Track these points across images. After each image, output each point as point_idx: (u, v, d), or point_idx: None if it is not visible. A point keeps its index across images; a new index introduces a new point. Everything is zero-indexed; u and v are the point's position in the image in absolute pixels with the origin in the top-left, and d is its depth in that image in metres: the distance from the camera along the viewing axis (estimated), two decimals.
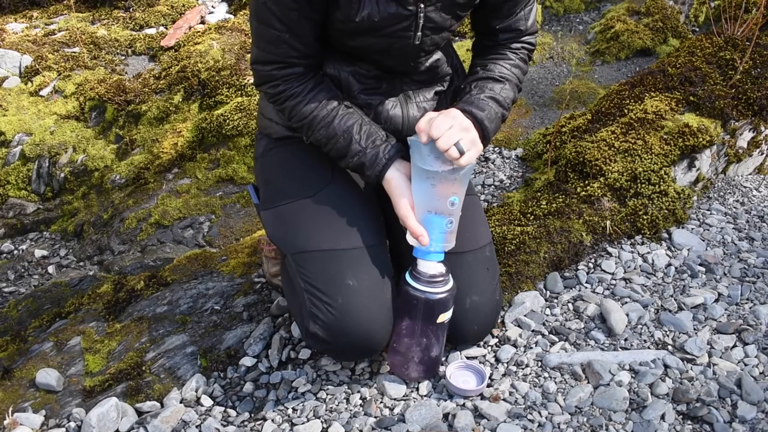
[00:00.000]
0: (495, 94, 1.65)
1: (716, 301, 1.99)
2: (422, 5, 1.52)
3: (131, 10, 4.44)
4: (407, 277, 1.59)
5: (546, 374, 1.73)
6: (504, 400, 1.64)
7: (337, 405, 1.67)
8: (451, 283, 1.59)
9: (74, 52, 3.90)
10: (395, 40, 1.57)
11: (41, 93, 3.62)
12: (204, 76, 3.46)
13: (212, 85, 3.40)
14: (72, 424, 1.73)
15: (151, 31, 4.23)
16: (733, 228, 2.36)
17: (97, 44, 4.00)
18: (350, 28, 1.52)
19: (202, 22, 4.24)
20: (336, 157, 1.63)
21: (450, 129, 1.46)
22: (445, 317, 1.60)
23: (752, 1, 3.40)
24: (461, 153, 1.46)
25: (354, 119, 1.60)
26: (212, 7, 4.48)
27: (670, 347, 1.81)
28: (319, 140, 1.62)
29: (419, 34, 1.58)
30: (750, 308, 1.96)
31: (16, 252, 3.12)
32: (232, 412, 1.72)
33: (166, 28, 4.24)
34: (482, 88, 1.66)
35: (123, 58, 3.99)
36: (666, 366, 1.73)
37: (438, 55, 1.72)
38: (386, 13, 1.50)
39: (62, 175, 3.31)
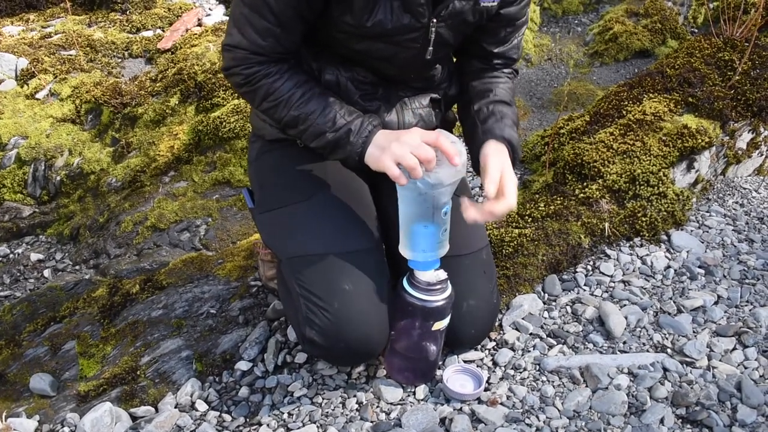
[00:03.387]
0: (516, 119, 1.72)
1: (716, 303, 1.98)
2: (434, 20, 1.53)
3: (128, 12, 4.43)
4: (404, 283, 1.57)
5: (544, 378, 1.71)
6: (501, 404, 1.62)
7: (333, 409, 1.65)
8: (449, 291, 1.57)
9: (70, 55, 3.89)
10: (401, 49, 1.57)
11: (37, 96, 3.60)
12: (200, 79, 3.45)
13: (209, 87, 3.39)
14: (66, 430, 1.72)
15: (148, 33, 4.22)
16: (733, 230, 2.35)
17: (94, 47, 3.99)
18: (360, 32, 1.51)
19: (199, 25, 4.23)
20: (312, 134, 1.56)
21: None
22: (441, 325, 1.59)
23: (751, 2, 3.39)
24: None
25: (334, 98, 1.57)
26: (209, 9, 4.47)
27: (669, 350, 1.80)
28: (295, 117, 1.55)
29: (431, 48, 1.59)
30: (750, 311, 1.95)
31: (11, 256, 3.10)
32: (228, 417, 1.70)
33: (163, 31, 4.23)
34: (502, 113, 1.69)
35: (119, 60, 3.98)
36: (665, 369, 1.72)
37: (438, 66, 1.71)
38: (399, 24, 1.50)
39: (58, 178, 3.29)
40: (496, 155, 1.56)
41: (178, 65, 3.63)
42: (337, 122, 1.52)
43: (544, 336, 1.87)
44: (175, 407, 1.75)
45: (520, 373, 1.74)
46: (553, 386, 1.68)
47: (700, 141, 2.41)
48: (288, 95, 1.53)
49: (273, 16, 1.46)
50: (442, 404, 1.63)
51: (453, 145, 1.43)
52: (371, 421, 1.60)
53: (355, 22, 1.49)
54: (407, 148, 1.43)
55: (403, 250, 1.56)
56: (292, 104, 1.53)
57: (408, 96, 1.72)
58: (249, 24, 1.48)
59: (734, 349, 1.81)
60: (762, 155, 2.79)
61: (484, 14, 1.61)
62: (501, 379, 1.72)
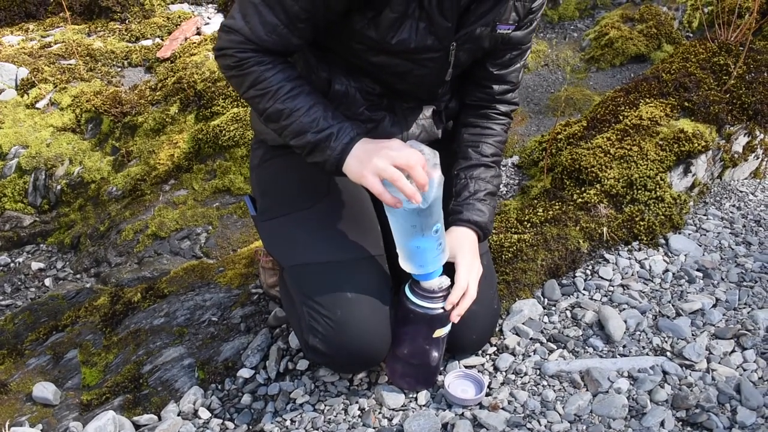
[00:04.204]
0: (491, 187, 1.76)
1: (714, 306, 1.99)
2: (454, 44, 1.56)
3: (127, 21, 4.45)
4: (407, 290, 1.58)
5: (545, 382, 1.72)
6: (503, 409, 1.63)
7: (335, 416, 1.66)
8: None
9: (70, 65, 3.90)
10: (417, 66, 1.59)
11: (37, 105, 3.61)
12: (200, 87, 3.46)
13: (208, 96, 3.40)
14: None
15: (147, 42, 4.23)
16: (730, 233, 2.36)
17: (93, 56, 4.00)
18: (382, 47, 1.52)
19: (198, 33, 4.24)
20: (293, 131, 1.50)
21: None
22: (442, 332, 1.60)
23: (745, 6, 3.42)
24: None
25: (321, 98, 1.52)
26: (208, 18, 4.49)
27: (668, 353, 1.81)
28: (279, 111, 1.49)
29: (450, 70, 1.62)
30: (748, 313, 1.96)
31: (12, 265, 3.11)
32: (230, 425, 1.71)
33: (162, 40, 4.25)
34: (478, 184, 1.74)
35: (119, 69, 3.99)
36: (665, 372, 1.73)
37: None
38: (422, 44, 1.52)
39: (59, 187, 3.30)
40: (464, 259, 1.62)
41: (177, 74, 3.64)
42: (320, 123, 1.48)
43: (545, 341, 1.88)
44: (178, 415, 1.76)
45: (521, 377, 1.75)
46: (554, 390, 1.69)
47: (696, 145, 2.43)
48: (277, 87, 1.48)
49: (285, 15, 1.43)
50: (444, 410, 1.64)
51: (423, 175, 1.42)
52: (373, 428, 1.61)
53: (378, 38, 1.50)
54: (388, 161, 1.41)
55: (403, 264, 1.57)
56: (279, 97, 1.48)
57: (412, 107, 1.74)
58: (257, 14, 1.43)
59: (733, 351, 1.82)
60: (758, 158, 2.80)
61: (499, 40, 1.65)
62: (502, 384, 1.73)
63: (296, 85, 1.49)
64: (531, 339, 1.88)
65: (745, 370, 1.75)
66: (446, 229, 1.64)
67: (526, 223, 2.22)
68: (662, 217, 2.29)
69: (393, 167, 1.40)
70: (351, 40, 1.55)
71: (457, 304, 1.57)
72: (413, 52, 1.53)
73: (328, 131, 1.48)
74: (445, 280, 1.57)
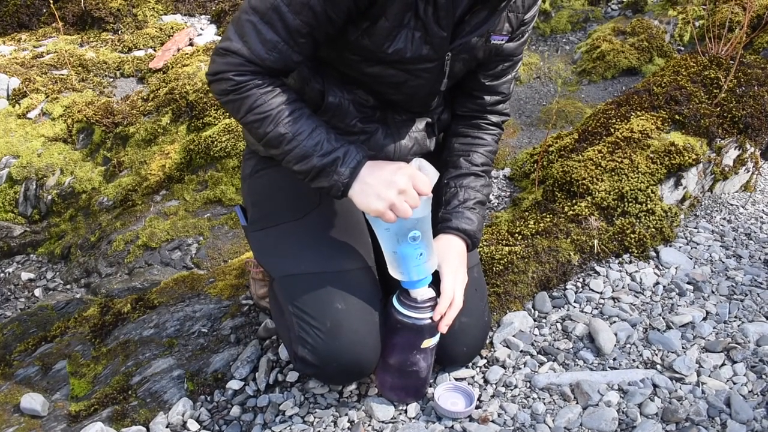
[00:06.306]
0: (481, 196, 1.77)
1: (704, 319, 1.99)
2: (450, 54, 1.57)
3: (120, 32, 4.45)
4: (394, 301, 1.59)
5: (535, 395, 1.72)
6: (493, 421, 1.63)
7: (324, 428, 1.65)
8: None
9: (62, 75, 3.90)
10: (412, 77, 1.59)
11: (29, 115, 3.60)
12: (192, 98, 3.46)
13: (200, 106, 3.40)
14: None
15: (140, 53, 4.23)
16: (721, 246, 2.37)
17: (86, 66, 4.00)
18: (377, 57, 1.52)
19: (191, 44, 4.25)
20: (297, 156, 1.48)
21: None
22: (430, 342, 1.60)
23: (736, 20, 3.45)
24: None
25: (321, 121, 1.51)
26: (201, 29, 4.50)
27: (658, 366, 1.81)
28: (281, 135, 1.46)
29: (445, 81, 1.63)
30: (738, 326, 1.96)
31: (2, 275, 3.09)
32: None
33: (155, 50, 4.25)
34: (467, 193, 1.75)
35: (111, 80, 3.99)
36: (655, 385, 1.73)
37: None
38: (418, 54, 1.52)
39: (49, 197, 3.29)
40: (449, 268, 1.62)
41: (169, 85, 3.64)
42: (325, 147, 1.46)
43: (535, 353, 1.87)
44: (167, 427, 1.75)
45: (511, 390, 1.74)
46: (544, 403, 1.69)
47: (687, 158, 2.44)
48: (277, 110, 1.45)
49: (285, 31, 1.41)
50: (434, 422, 1.64)
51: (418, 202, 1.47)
52: None
53: (373, 47, 1.50)
54: (403, 197, 1.45)
55: (389, 270, 1.58)
56: (279, 121, 1.46)
57: (405, 119, 1.74)
58: (255, 33, 1.41)
59: (723, 364, 1.82)
60: (748, 171, 2.82)
61: (492, 51, 1.66)
62: (492, 396, 1.73)
63: (296, 108, 1.48)
64: (521, 351, 1.88)
65: (735, 383, 1.75)
66: (434, 237, 1.65)
67: (517, 235, 2.23)
68: (653, 229, 2.30)
69: (405, 202, 1.45)
70: (345, 51, 1.55)
71: (445, 314, 1.57)
72: (409, 62, 1.54)
73: (334, 155, 1.47)
74: (430, 291, 1.58)
